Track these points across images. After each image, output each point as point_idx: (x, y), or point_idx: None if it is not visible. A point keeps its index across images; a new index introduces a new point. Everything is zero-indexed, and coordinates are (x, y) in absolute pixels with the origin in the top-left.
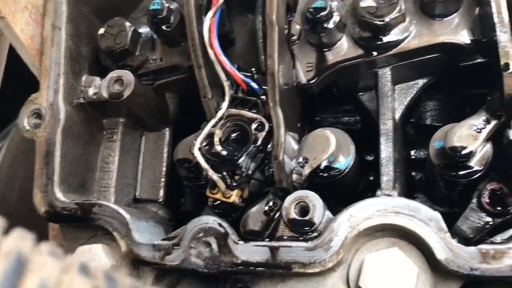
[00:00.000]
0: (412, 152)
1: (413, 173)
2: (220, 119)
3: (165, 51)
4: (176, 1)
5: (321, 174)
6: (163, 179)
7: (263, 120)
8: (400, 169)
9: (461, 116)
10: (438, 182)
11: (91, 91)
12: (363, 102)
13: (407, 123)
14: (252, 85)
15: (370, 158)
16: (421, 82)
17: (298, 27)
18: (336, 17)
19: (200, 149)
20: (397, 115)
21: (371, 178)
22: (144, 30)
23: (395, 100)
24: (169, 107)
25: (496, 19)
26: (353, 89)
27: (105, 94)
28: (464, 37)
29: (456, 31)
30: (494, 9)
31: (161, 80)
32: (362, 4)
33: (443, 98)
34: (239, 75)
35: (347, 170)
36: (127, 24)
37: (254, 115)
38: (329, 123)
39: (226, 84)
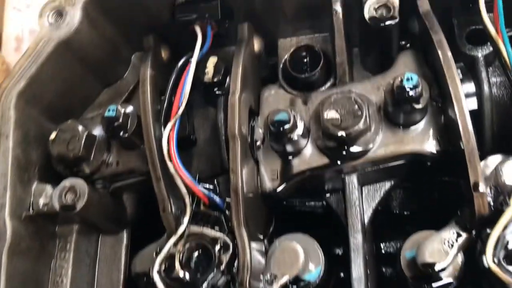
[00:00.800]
0: (382, 245)
1: (383, 269)
2: (180, 237)
3: (122, 154)
4: (132, 103)
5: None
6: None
7: (227, 240)
8: (371, 270)
9: (430, 204)
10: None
11: (41, 202)
12: (330, 205)
13: (376, 214)
14: (215, 200)
15: (339, 251)
16: (388, 184)
17: (261, 131)
18: (300, 128)
19: (159, 272)
20: (366, 219)
21: (342, 274)
22: (99, 131)
23: (363, 202)
24: (126, 209)
25: (461, 128)
26: (320, 191)
27: (56, 206)
28: (430, 147)
29: (422, 140)
30: (458, 119)
31: (117, 183)
32: (326, 116)
33: (410, 187)
34: (200, 190)
35: (318, 280)
36: (80, 128)
37: (217, 234)
38: (296, 208)
39: (186, 198)
